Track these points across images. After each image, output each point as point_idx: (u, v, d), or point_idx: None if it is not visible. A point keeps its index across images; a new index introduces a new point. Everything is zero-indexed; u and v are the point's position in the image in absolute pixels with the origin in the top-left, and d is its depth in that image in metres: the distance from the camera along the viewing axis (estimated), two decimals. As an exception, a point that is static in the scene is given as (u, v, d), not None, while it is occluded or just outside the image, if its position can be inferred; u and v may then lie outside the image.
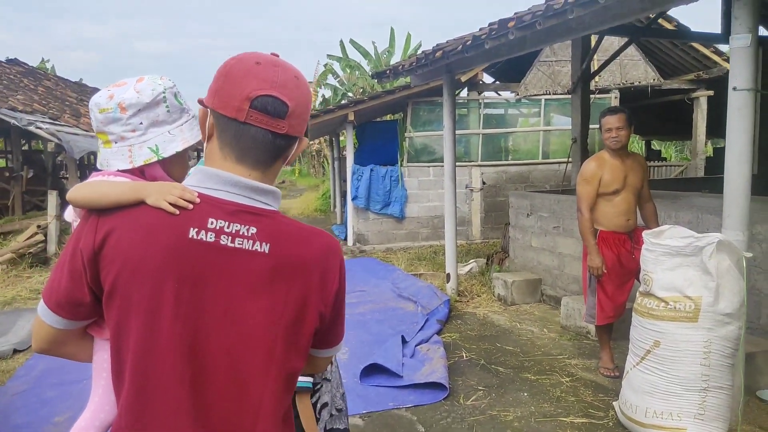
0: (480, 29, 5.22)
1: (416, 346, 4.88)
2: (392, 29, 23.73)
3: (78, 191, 1.17)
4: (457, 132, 10.04)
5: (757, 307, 4.15)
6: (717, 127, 9.50)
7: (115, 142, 1.31)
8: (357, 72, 23.61)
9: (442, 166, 7.29)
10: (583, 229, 4.23)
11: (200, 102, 1.16)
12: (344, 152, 11.78)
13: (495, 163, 11.01)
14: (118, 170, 1.30)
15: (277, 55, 1.15)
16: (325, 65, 25.47)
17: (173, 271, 1.06)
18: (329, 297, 1.16)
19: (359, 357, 4.68)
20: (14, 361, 5.07)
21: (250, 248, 1.09)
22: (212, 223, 1.08)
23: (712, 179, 9.00)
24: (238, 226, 1.09)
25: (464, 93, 12.10)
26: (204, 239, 1.07)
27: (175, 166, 1.36)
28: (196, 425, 1.07)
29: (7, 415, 3.92)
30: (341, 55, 23.86)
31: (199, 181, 1.13)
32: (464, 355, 4.87)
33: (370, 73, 14.92)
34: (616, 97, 11.12)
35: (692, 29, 7.95)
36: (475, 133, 10.98)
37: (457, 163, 9.84)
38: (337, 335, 1.27)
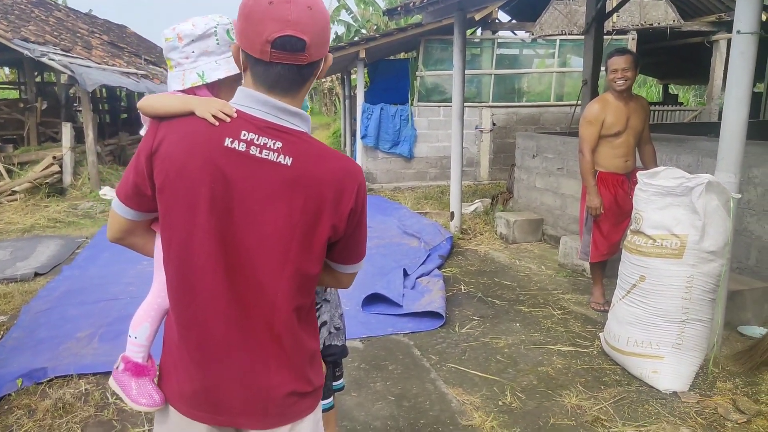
0: (491, -35, 5.15)
1: (417, 278, 5.09)
2: (408, -38, 22.93)
3: (145, 101, 1.39)
4: (469, 72, 9.96)
5: (747, 248, 4.27)
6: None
7: (175, 67, 1.55)
8: (371, 8, 23.04)
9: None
10: (584, 170, 4.33)
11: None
12: (355, 91, 11.72)
13: (506, 104, 10.94)
14: (175, 90, 1.52)
15: None
16: (338, 0, 24.83)
17: (210, 172, 1.24)
18: (343, 213, 1.30)
19: (362, 287, 4.88)
20: (36, 283, 5.37)
21: (275, 159, 1.25)
22: (245, 135, 1.25)
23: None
24: (266, 139, 1.26)
25: (478, 32, 11.89)
26: (237, 148, 1.25)
27: (223, 91, 1.55)
28: (230, 306, 1.29)
29: (32, 330, 4.20)
30: (355, -10, 23.22)
31: (239, 99, 1.30)
32: (463, 288, 5.08)
33: (383, 9, 14.58)
34: (633, 38, 10.88)
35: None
36: (487, 73, 10.86)
37: (468, 104, 9.83)
38: (356, 253, 1.43)
